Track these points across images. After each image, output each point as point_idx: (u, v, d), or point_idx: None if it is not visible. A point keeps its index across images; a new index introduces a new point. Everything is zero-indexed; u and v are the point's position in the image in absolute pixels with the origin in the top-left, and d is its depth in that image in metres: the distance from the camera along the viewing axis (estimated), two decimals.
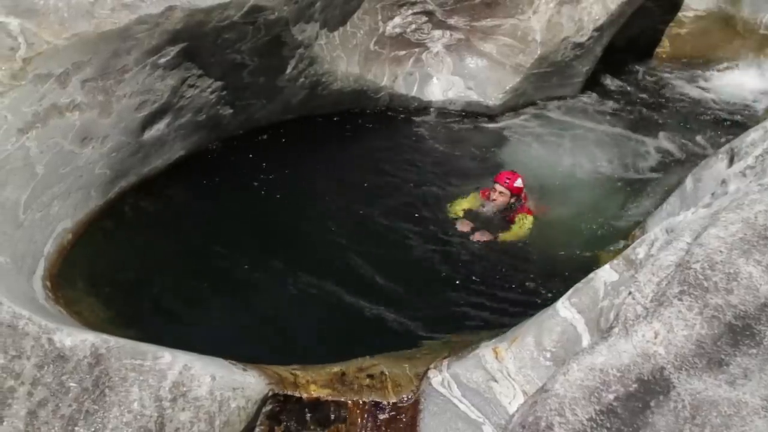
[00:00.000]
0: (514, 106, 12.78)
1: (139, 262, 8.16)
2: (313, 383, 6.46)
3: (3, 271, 6.56)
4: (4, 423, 5.40)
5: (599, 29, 12.84)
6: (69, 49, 7.93)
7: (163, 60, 8.83)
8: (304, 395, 6.34)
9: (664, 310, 5.21)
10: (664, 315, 5.19)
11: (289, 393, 6.33)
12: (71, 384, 5.64)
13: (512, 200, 9.24)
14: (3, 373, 5.56)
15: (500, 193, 9.19)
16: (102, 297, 7.58)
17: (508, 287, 7.74)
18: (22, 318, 5.80)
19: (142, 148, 9.13)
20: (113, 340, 5.90)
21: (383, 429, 6.27)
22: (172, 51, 8.85)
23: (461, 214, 9.32)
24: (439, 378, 6.42)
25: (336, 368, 6.61)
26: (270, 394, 6.24)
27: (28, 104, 7.60)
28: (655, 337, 5.07)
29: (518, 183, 9.18)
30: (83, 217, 8.30)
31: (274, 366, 6.55)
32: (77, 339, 5.79)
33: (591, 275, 6.52)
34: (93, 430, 5.56)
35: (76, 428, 5.52)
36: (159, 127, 9.25)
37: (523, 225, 9.03)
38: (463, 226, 9.17)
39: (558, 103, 12.37)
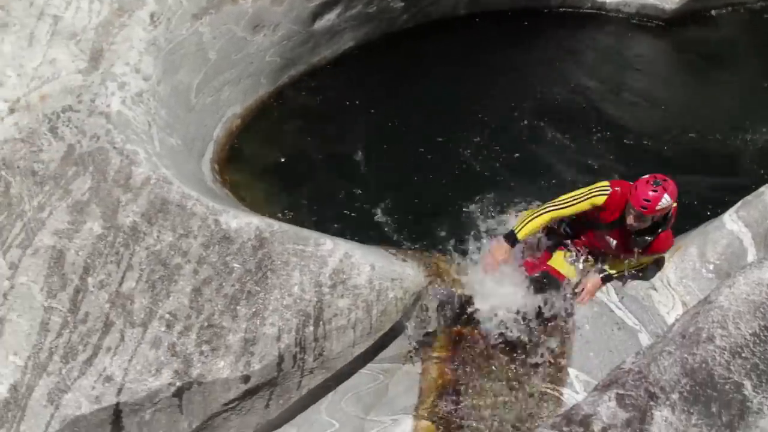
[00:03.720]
0: (692, 11, 11.97)
1: (305, 150, 8.33)
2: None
3: (174, 152, 6.86)
4: (171, 298, 5.72)
5: None
6: None
7: None
8: (462, 290, 6.35)
9: None
10: None
11: (447, 286, 6.33)
12: (235, 265, 5.86)
13: (653, 220, 6.00)
14: (171, 251, 5.85)
15: (636, 217, 6.01)
16: (267, 182, 7.85)
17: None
18: (191, 198, 6.07)
19: (312, 37, 9.26)
20: (277, 225, 6.12)
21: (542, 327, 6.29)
22: None
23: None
24: None
25: None
26: (428, 286, 6.26)
27: None
28: None
29: (664, 202, 5.86)
30: (252, 103, 8.54)
31: (433, 257, 6.60)
32: (242, 222, 6.01)
33: (762, 189, 6.27)
34: (254, 310, 5.77)
35: (238, 307, 5.75)
36: (330, 17, 9.32)
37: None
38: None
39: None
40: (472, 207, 7.63)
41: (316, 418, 6.46)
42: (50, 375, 5.57)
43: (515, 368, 6.41)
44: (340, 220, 7.44)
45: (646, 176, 5.86)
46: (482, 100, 9.12)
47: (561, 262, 6.44)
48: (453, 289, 6.51)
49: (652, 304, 6.25)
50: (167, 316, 5.69)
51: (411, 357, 6.57)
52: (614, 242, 6.21)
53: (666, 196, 5.78)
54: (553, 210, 6.15)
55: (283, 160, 8.21)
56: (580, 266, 6.37)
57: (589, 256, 6.50)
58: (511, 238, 6.20)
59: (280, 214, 7.10)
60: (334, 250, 6.05)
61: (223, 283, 5.83)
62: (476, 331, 6.51)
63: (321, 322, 5.93)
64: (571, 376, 6.29)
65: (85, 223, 5.93)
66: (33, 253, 5.86)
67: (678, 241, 6.46)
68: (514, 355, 6.51)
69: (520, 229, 6.17)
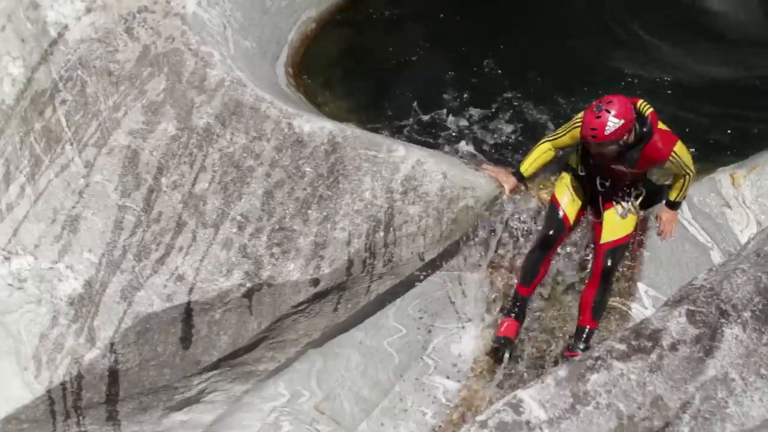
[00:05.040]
0: None
1: (381, 56, 8.22)
2: (542, 188, 6.43)
3: (248, 55, 6.87)
4: (242, 200, 5.78)
5: None
6: None
7: None
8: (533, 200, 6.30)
9: None
10: None
11: (519, 196, 6.28)
12: (307, 169, 5.90)
13: (625, 138, 5.60)
14: (243, 153, 5.89)
15: (594, 148, 5.71)
16: (341, 87, 7.79)
17: (751, 112, 7.14)
18: (265, 101, 6.11)
19: None
20: (350, 130, 6.15)
21: None
22: None
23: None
24: None
25: None
26: (499, 196, 6.22)
27: None
28: None
29: (610, 126, 5.47)
30: (328, 7, 8.43)
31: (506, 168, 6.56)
32: (315, 126, 6.04)
33: None
34: (325, 214, 5.82)
35: (309, 211, 5.80)
36: None
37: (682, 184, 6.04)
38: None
39: None
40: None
41: (384, 323, 6.52)
42: (123, 272, 5.69)
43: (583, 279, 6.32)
44: (414, 127, 7.36)
45: (594, 101, 5.47)
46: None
47: (613, 223, 6.26)
48: (524, 199, 6.37)
49: (726, 221, 6.15)
50: (239, 217, 5.75)
51: (480, 265, 6.53)
52: (623, 168, 5.88)
53: (611, 118, 5.36)
54: (548, 140, 6.17)
55: (357, 66, 8.11)
56: (634, 211, 6.17)
57: (634, 197, 6.26)
58: (517, 174, 6.31)
59: (353, 120, 7.03)
60: (406, 156, 6.02)
61: (295, 187, 5.86)
62: None
63: (391, 228, 5.94)
64: (640, 291, 6.26)
65: (159, 123, 5.99)
66: (108, 152, 5.95)
67: (755, 159, 6.27)
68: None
69: (522, 162, 6.27)
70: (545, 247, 6.31)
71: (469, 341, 6.68)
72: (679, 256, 6.21)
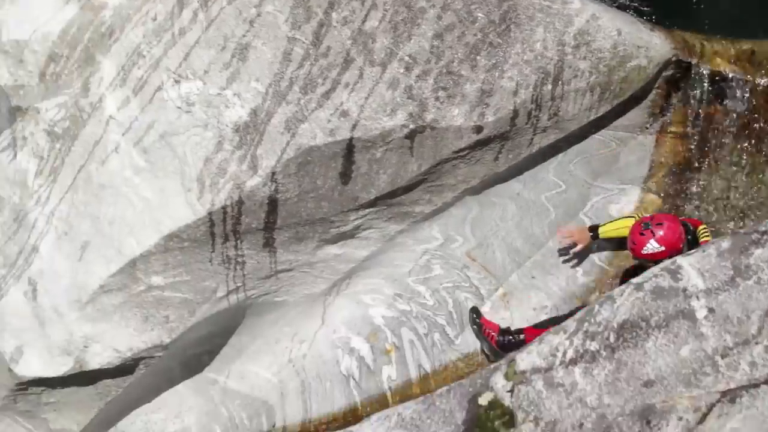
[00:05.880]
0: None
1: None
2: (719, 56, 6.19)
3: None
4: (412, 41, 5.75)
5: None
6: None
7: None
8: (708, 67, 6.05)
9: None
10: None
11: (693, 61, 6.05)
12: (479, 14, 5.85)
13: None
14: None
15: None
16: None
17: None
18: None
19: None
20: None
21: None
22: None
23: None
24: None
25: (746, 45, 6.25)
26: (673, 59, 6.03)
27: None
28: None
29: (649, 248, 5.68)
30: None
31: (681, 31, 6.31)
32: None
33: None
34: (494, 62, 5.75)
35: (478, 57, 5.74)
36: None
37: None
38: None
39: None
40: None
41: (543, 177, 6.47)
42: (289, 104, 5.73)
43: (754, 153, 6.10)
44: None
45: (648, 215, 5.72)
46: None
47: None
48: (700, 65, 6.16)
49: None
50: (407, 58, 5.71)
51: (647, 128, 6.44)
52: None
53: (652, 241, 5.52)
54: (633, 217, 6.03)
55: None
56: None
57: None
58: (594, 230, 6.20)
59: None
60: (581, 10, 5.88)
61: (466, 32, 5.78)
62: (719, 110, 6.20)
63: (560, 82, 5.86)
64: None
65: None
66: None
67: None
68: (754, 141, 6.19)
69: (603, 224, 6.20)
70: None
71: (628, 204, 6.60)
72: None
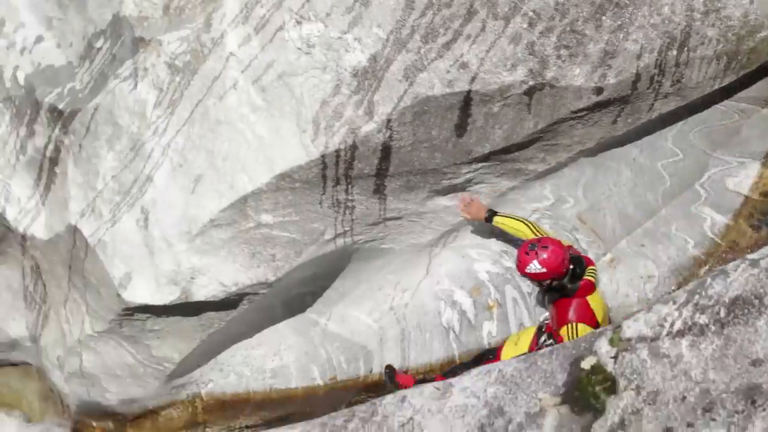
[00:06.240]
0: None
1: None
2: None
3: None
4: None
5: None
6: None
7: None
8: None
9: None
10: None
11: None
12: None
13: (546, 282, 5.91)
14: None
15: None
16: None
17: None
18: None
19: None
20: None
21: None
22: None
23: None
24: None
25: None
26: None
27: None
28: None
29: (531, 268, 5.85)
30: None
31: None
32: None
33: None
34: (619, 23, 5.71)
35: (603, 18, 5.70)
36: None
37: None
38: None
39: None
40: None
41: (661, 144, 6.38)
42: (409, 52, 5.72)
43: None
44: None
45: (537, 237, 5.90)
46: None
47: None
48: None
49: None
50: (531, 13, 5.66)
51: None
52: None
53: (535, 262, 5.71)
54: (530, 225, 6.19)
55: None
56: None
57: None
58: (491, 215, 6.31)
59: None
60: None
61: None
62: None
63: (685, 48, 5.75)
64: None
65: None
66: None
67: None
68: None
69: (502, 215, 6.30)
70: None
71: (746, 178, 6.47)
72: None
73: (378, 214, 6.25)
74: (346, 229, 6.21)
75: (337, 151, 5.79)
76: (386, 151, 5.82)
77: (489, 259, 6.70)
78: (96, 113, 6.52)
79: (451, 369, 6.51)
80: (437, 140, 5.86)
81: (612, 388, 4.37)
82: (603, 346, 4.54)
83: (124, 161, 6.34)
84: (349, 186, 5.99)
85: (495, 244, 6.64)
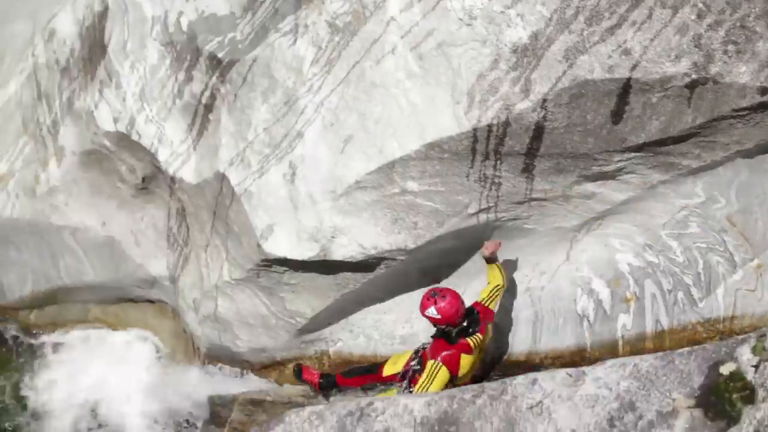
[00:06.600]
0: None
1: None
2: None
3: None
4: None
5: None
6: None
7: None
8: None
9: None
10: None
11: None
12: None
13: (446, 327, 6.35)
14: None
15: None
16: None
17: None
18: None
19: None
20: None
21: None
22: None
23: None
24: None
25: None
26: None
27: None
28: None
29: (429, 312, 6.31)
30: None
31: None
32: None
33: None
34: None
35: None
36: None
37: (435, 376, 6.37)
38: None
39: None
40: None
41: None
42: (572, 33, 5.70)
43: None
44: None
45: (441, 287, 6.39)
46: None
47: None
48: None
49: None
50: (700, 5, 5.57)
51: None
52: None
53: (432, 308, 6.18)
54: (493, 288, 6.63)
55: None
56: None
57: None
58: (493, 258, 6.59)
59: None
60: None
61: None
62: None
63: None
64: None
65: None
66: None
67: None
68: None
69: (498, 265, 6.68)
70: None
71: None
72: None
73: (524, 193, 6.26)
74: (491, 204, 6.25)
75: (490, 126, 5.82)
76: (539, 130, 5.82)
77: (632, 251, 6.63)
78: (254, 65, 6.66)
79: (348, 370, 7.11)
80: (591, 125, 5.82)
81: (750, 397, 4.33)
82: (745, 354, 4.49)
83: (277, 115, 6.47)
84: (498, 162, 6.01)
85: (639, 237, 6.56)
